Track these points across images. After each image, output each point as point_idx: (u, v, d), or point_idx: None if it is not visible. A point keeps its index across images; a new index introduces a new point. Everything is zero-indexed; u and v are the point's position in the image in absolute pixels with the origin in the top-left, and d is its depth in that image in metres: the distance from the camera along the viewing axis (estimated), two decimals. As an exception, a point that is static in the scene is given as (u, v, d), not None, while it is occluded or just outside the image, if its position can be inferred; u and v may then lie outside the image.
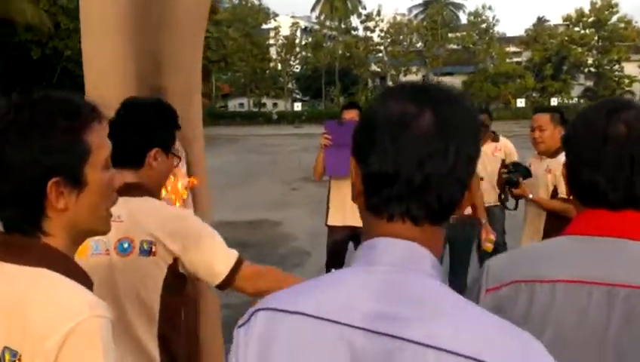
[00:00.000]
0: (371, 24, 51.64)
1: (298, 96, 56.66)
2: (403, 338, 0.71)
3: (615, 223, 1.05)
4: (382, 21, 51.50)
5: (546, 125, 3.79)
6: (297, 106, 49.33)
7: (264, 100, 54.19)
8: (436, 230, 0.82)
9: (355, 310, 0.75)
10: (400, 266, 0.78)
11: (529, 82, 48.91)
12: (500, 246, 4.71)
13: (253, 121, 44.53)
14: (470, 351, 0.69)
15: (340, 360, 0.73)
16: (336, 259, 4.39)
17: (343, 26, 52.91)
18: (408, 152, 0.78)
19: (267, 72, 52.16)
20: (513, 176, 3.76)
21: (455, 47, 53.46)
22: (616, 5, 49.69)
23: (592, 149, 1.07)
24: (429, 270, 0.79)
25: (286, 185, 13.23)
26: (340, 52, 51.28)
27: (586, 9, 50.39)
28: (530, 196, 3.77)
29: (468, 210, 4.32)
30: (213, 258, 1.70)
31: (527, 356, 0.71)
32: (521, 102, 45.23)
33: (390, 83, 54.64)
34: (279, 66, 52.80)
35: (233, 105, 55.46)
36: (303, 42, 54.82)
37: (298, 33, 53.87)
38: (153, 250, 1.65)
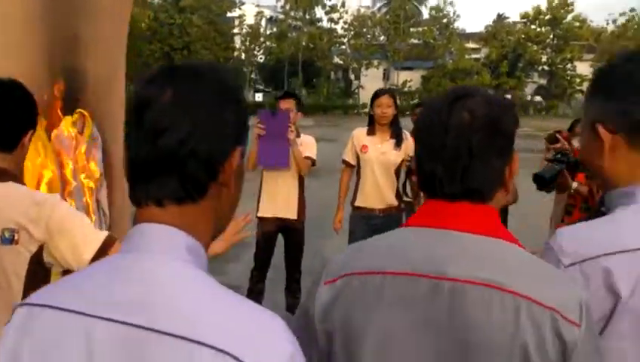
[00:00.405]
0: (335, 16, 51.51)
1: (261, 87, 56.21)
2: (142, 327, 0.70)
3: (449, 215, 1.02)
4: (346, 13, 51.45)
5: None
6: (258, 97, 48.94)
7: (227, 89, 53.33)
8: (193, 211, 0.79)
9: (99, 300, 0.73)
10: (145, 252, 0.76)
11: (485, 79, 49.63)
12: None
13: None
14: (190, 334, 0.69)
15: (81, 351, 0.72)
16: (265, 250, 4.35)
17: (307, 16, 52.61)
18: (146, 133, 0.76)
19: (231, 61, 51.52)
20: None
21: (416, 41, 53.84)
22: (572, 4, 50.75)
23: (434, 138, 1.03)
24: (184, 254, 0.76)
25: (241, 175, 13.09)
26: (304, 43, 51.02)
27: (544, 7, 51.33)
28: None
29: (395, 202, 4.39)
30: (81, 242, 1.62)
31: (260, 339, 0.70)
32: (477, 98, 45.79)
33: (352, 76, 54.79)
34: (243, 56, 52.24)
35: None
36: (268, 32, 54.35)
37: (263, 22, 53.38)
38: (15, 238, 1.57)
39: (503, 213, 4.31)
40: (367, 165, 4.36)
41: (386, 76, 54.19)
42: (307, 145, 4.31)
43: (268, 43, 53.62)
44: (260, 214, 4.34)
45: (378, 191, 4.34)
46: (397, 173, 4.41)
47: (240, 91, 0.85)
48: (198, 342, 0.69)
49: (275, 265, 4.55)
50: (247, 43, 51.48)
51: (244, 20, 51.08)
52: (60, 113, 2.17)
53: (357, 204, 4.45)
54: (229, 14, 50.76)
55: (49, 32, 2.16)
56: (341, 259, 1.08)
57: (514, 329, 0.92)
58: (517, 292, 0.93)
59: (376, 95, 4.37)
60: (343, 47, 52.61)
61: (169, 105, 0.77)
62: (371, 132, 4.41)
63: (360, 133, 4.48)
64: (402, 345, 0.96)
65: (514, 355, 0.91)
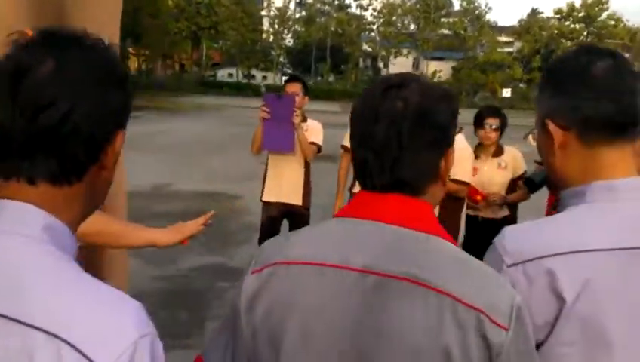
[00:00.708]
0: (364, 2, 51.17)
1: (289, 70, 56.22)
2: None
3: (380, 206, 0.98)
4: (375, 0, 51.05)
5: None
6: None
7: (254, 72, 53.71)
8: (66, 192, 0.77)
9: None
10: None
11: (517, 72, 48.97)
12: None
13: (242, 93, 44.11)
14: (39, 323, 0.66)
15: None
16: (269, 235, 4.23)
17: (336, 1, 52.29)
18: (23, 106, 0.72)
19: (259, 43, 51.58)
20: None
21: (446, 32, 53.22)
22: (606, 2, 49.67)
23: (365, 126, 0.99)
24: (37, 232, 0.73)
25: (256, 159, 13.21)
26: (333, 28, 50.82)
27: (578, 4, 50.35)
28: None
29: None
30: None
31: (100, 325, 0.68)
32: (507, 92, 45.33)
33: (381, 64, 54.45)
34: (271, 38, 52.25)
35: (222, 74, 54.92)
36: (296, 15, 54.23)
37: (291, 5, 53.26)
38: None
39: (513, 208, 4.23)
40: None
41: (415, 65, 53.75)
42: (313, 131, 4.25)
43: (296, 27, 53.52)
44: (264, 198, 4.30)
45: None
46: None
47: (126, 71, 0.81)
48: (32, 326, 0.66)
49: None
50: (276, 26, 51.43)
51: (273, 2, 50.96)
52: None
53: (355, 190, 4.38)
54: (258, -4, 50.73)
55: (33, 14, 2.13)
56: (270, 247, 1.03)
57: (437, 329, 0.87)
58: (442, 289, 0.88)
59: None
60: (372, 34, 52.27)
61: (50, 77, 0.72)
62: None
63: None
64: (320, 344, 0.91)
65: (436, 356, 0.87)
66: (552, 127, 1.12)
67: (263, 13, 51.83)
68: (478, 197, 4.01)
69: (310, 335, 0.92)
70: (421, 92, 0.98)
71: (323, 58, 51.00)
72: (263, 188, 4.32)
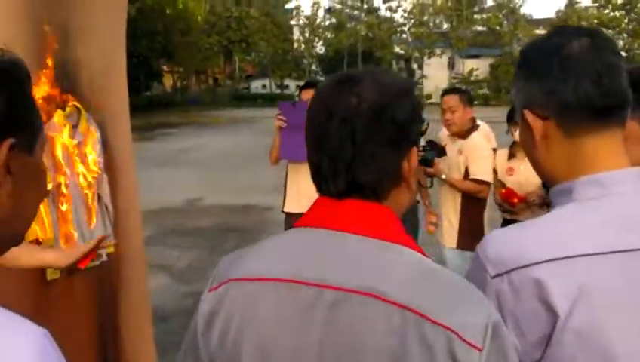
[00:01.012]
0: (394, 4, 50.95)
1: (322, 79, 56.33)
2: None
3: (337, 213, 0.90)
4: (405, 1, 50.78)
5: (455, 106, 3.77)
6: (319, 88, 49.14)
7: (287, 82, 54.04)
8: None
9: None
10: None
11: (556, 66, 47.74)
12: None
13: (275, 103, 44.31)
14: None
15: None
16: None
17: (365, 5, 52.22)
18: None
19: (290, 53, 51.96)
20: (428, 154, 3.70)
21: (481, 28, 52.45)
22: (648, -13, 48.12)
23: (318, 125, 0.91)
24: None
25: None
26: (363, 33, 50.76)
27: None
28: (443, 176, 3.76)
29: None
30: None
31: None
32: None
33: (415, 65, 54.06)
34: (302, 47, 52.57)
35: (255, 86, 55.42)
36: (326, 23, 54.41)
37: (320, 13, 53.46)
38: None
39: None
40: None
41: (450, 65, 53.10)
42: None
43: (326, 34, 53.70)
44: (285, 209, 4.21)
45: None
46: None
47: (12, 81, 0.76)
48: None
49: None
50: (306, 34, 51.72)
51: (302, 11, 51.31)
52: (51, 106, 2.16)
53: None
54: (286, 6, 51.14)
55: (35, 22, 2.15)
56: (226, 262, 0.97)
57: (401, 349, 0.78)
58: (405, 305, 0.80)
59: None
60: (404, 35, 51.95)
61: None
62: None
63: None
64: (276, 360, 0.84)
65: None
66: (529, 117, 1.02)
67: (293, 22, 52.18)
68: (515, 200, 3.75)
69: (267, 357, 0.85)
70: (377, 87, 0.90)
71: (355, 63, 50.95)
72: (284, 198, 4.24)
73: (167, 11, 26.69)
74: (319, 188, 0.94)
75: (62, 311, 2.26)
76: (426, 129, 1.03)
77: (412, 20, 50.60)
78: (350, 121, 0.88)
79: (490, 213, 3.91)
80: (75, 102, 2.25)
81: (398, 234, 0.89)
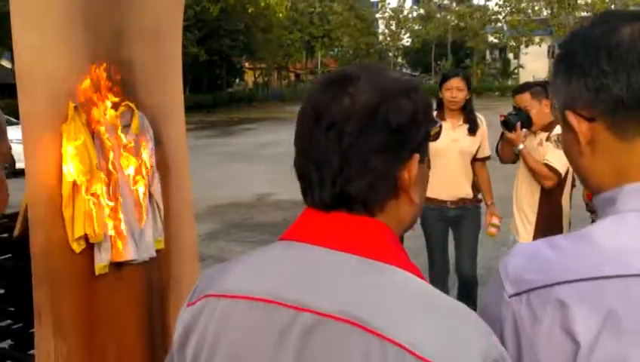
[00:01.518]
0: (487, -9, 49.56)
1: (407, 72, 55.87)
2: None
3: (322, 227, 0.84)
4: (499, -12, 49.26)
5: (530, 104, 3.72)
6: (404, 82, 48.77)
7: (371, 76, 53.91)
8: None
9: None
10: None
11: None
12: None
13: (358, 98, 44.41)
14: None
15: None
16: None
17: (456, -6, 51.20)
18: None
19: (374, 46, 51.82)
20: (512, 118, 3.67)
21: (585, 14, 49.98)
22: None
23: (306, 130, 0.85)
24: None
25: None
26: (453, 23, 49.74)
27: None
28: (521, 146, 3.67)
29: (470, 194, 4.16)
30: None
31: None
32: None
33: (511, 55, 52.35)
34: (387, 40, 52.31)
35: (338, 81, 55.57)
36: (414, 14, 53.78)
37: (407, 4, 52.93)
38: None
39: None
40: (437, 154, 4.05)
41: (550, 54, 50.97)
42: None
43: (414, 26, 53.08)
44: None
45: (450, 181, 4.10)
46: (472, 161, 4.18)
47: None
48: None
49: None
50: (392, 27, 51.39)
51: (387, 4, 51.02)
52: (105, 104, 2.32)
53: (427, 194, 4.26)
54: (371, -1, 51.14)
55: (91, 22, 2.31)
56: (207, 276, 0.92)
57: None
58: (386, 336, 0.73)
59: (446, 77, 4.15)
60: (499, 24, 50.43)
61: None
62: (440, 117, 4.13)
63: None
64: None
65: None
66: (573, 119, 0.91)
67: (378, 15, 52.01)
68: None
69: None
70: (371, 86, 0.84)
71: (443, 55, 50.04)
72: None
73: (249, 10, 27.39)
74: (305, 200, 0.88)
75: (110, 306, 2.42)
76: (438, 132, 0.93)
77: (508, 8, 49.02)
78: (338, 125, 0.82)
79: (576, 212, 3.81)
80: (128, 102, 2.41)
81: (390, 252, 0.82)
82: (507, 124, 3.72)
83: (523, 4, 48.78)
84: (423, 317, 0.75)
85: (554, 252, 0.87)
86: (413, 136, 0.85)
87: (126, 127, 2.45)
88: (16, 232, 2.64)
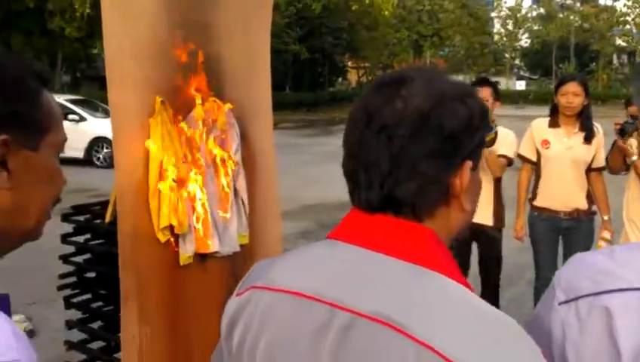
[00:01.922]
0: (617, -10, 46.98)
1: (525, 75, 54.14)
2: None
3: (366, 228, 0.87)
4: (629, -13, 46.56)
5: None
6: (520, 85, 47.24)
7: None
8: None
9: None
10: None
11: None
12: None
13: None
14: None
15: None
16: (459, 259, 4.29)
17: (580, -7, 48.96)
18: None
19: (488, 47, 50.60)
20: (629, 126, 3.62)
21: None
22: None
23: (356, 131, 0.88)
24: None
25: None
26: (577, 24, 47.61)
27: None
28: (634, 158, 3.55)
29: (585, 205, 4.03)
30: None
31: None
32: None
33: (640, 60, 49.38)
34: (504, 40, 50.91)
35: (447, 83, 54.84)
36: (533, 13, 52.00)
37: (525, 3, 51.23)
38: None
39: None
40: (550, 162, 4.03)
41: (685, 59, 47.60)
42: (504, 141, 4.08)
43: (534, 26, 51.33)
44: None
45: (563, 191, 4.00)
46: (587, 171, 4.04)
47: (13, 78, 0.84)
48: None
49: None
50: (509, 26, 49.96)
51: (504, 2, 49.62)
52: (192, 99, 2.46)
53: (537, 203, 4.15)
54: (487, -4, 49.94)
55: (180, 16, 2.44)
56: (257, 269, 0.97)
57: None
58: (425, 342, 0.73)
59: (562, 81, 4.03)
60: (627, 27, 47.68)
61: None
62: (554, 124, 4.06)
63: (541, 124, 4.15)
64: None
65: None
66: None
67: (493, 14, 50.72)
68: None
69: None
70: (425, 90, 0.86)
71: (565, 58, 47.96)
72: None
73: (353, 7, 27.54)
74: (352, 200, 0.91)
75: (193, 296, 2.56)
76: (494, 138, 0.99)
77: (637, 9, 46.24)
78: (389, 128, 0.84)
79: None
80: (215, 98, 2.54)
81: (437, 259, 0.83)
82: (623, 133, 3.63)
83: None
84: (465, 326, 0.75)
85: (609, 261, 0.88)
86: (466, 143, 0.86)
87: (212, 122, 2.58)
88: (107, 218, 2.85)
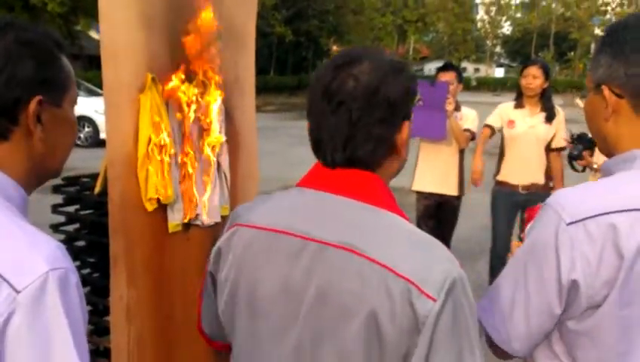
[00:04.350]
0: (598, -20, 47.31)
1: (505, 62, 54.43)
2: None
3: (329, 178, 1.10)
4: (611, -24, 46.91)
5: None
6: (499, 72, 47.57)
7: (465, 64, 52.96)
8: (2, 153, 1.00)
9: None
10: None
11: None
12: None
13: (449, 87, 43.72)
14: None
15: None
16: (426, 224, 4.62)
17: (563, -19, 49.20)
18: None
19: (472, 33, 50.77)
20: (574, 149, 3.85)
21: None
22: None
23: (318, 106, 1.10)
24: None
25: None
26: (558, 13, 47.94)
27: None
28: (595, 166, 3.80)
29: (542, 180, 4.39)
30: None
31: (19, 258, 0.88)
32: None
33: (620, 50, 49.72)
34: (486, 27, 51.11)
35: (429, 68, 55.06)
36: (517, 1, 52.22)
37: (510, -10, 51.42)
38: None
39: None
40: (514, 139, 4.44)
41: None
42: (467, 118, 4.52)
43: (516, 14, 51.56)
44: (415, 188, 4.67)
45: (523, 166, 4.40)
46: (547, 150, 4.40)
47: (40, 48, 1.01)
48: None
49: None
50: (492, 14, 50.17)
51: (488, -12, 49.79)
52: (180, 76, 2.61)
53: (499, 178, 4.56)
54: (471, -18, 50.00)
55: (166, 7, 2.58)
56: (240, 209, 1.22)
57: (364, 295, 0.98)
58: (373, 258, 0.99)
59: (525, 65, 4.45)
60: (607, 16, 48.10)
61: None
62: (519, 105, 4.47)
63: (507, 107, 4.56)
64: (266, 305, 1.08)
65: (363, 319, 0.98)
66: (607, 93, 1.18)
67: (477, 1, 50.86)
68: None
69: (257, 292, 1.09)
70: (371, 69, 1.07)
71: (545, 46, 48.33)
72: (414, 176, 4.67)
73: (341, -10, 27.59)
74: (319, 159, 1.14)
75: (177, 262, 2.73)
76: (419, 99, 1.19)
77: (618, -1, 46.72)
78: (347, 104, 1.06)
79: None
80: (201, 77, 2.70)
81: (383, 199, 1.08)
82: (573, 157, 3.87)
83: (637, -5, 46.29)
84: (403, 246, 1.02)
85: (597, 191, 1.14)
86: (405, 107, 1.10)
87: (199, 99, 2.74)
88: (96, 189, 3.00)
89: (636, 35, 1.15)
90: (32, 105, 1.01)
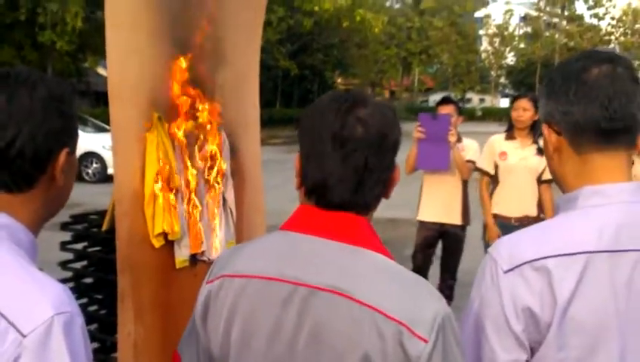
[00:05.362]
0: (601, 11, 47.74)
1: (510, 92, 54.73)
2: None
3: (319, 222, 1.10)
4: (613, 7, 47.35)
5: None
6: (504, 103, 47.84)
7: (470, 95, 53.31)
8: (21, 198, 1.04)
9: None
10: None
11: None
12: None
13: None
14: None
15: None
16: (423, 254, 4.67)
17: (566, 13, 49.70)
18: None
19: (476, 64, 51.19)
20: None
21: None
22: None
23: (323, 148, 1.09)
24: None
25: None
26: (562, 43, 48.32)
27: None
28: None
29: (534, 212, 4.41)
30: None
31: (25, 303, 0.91)
32: None
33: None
34: (490, 58, 51.52)
35: (434, 99, 55.35)
36: (520, 31, 52.71)
37: (513, 21, 51.93)
38: None
39: None
40: (507, 172, 4.50)
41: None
42: (469, 149, 4.60)
43: (520, 44, 52.01)
44: (419, 218, 4.71)
45: (516, 198, 4.44)
46: (538, 181, 4.45)
47: (66, 102, 1.07)
48: None
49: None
50: (497, 44, 50.62)
51: (492, 20, 50.29)
52: (185, 115, 2.67)
53: (492, 210, 4.60)
54: (475, 15, 50.56)
55: (177, 38, 2.65)
56: (223, 259, 1.20)
57: (357, 339, 0.99)
58: (363, 301, 1.01)
59: (516, 98, 4.58)
60: (611, 45, 48.44)
61: (2, 109, 1.01)
62: (510, 136, 4.55)
63: (498, 139, 4.63)
64: (260, 352, 1.08)
65: (356, 361, 0.99)
66: (546, 131, 1.25)
67: (481, 32, 51.39)
68: None
69: (250, 338, 1.09)
70: (377, 115, 1.09)
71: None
72: (419, 207, 4.72)
73: (344, 24, 27.86)
74: (315, 201, 1.11)
75: (184, 298, 2.75)
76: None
77: (621, 29, 47.06)
78: (361, 151, 1.07)
79: None
80: (207, 114, 2.76)
81: (367, 239, 1.09)
82: None
83: (638, 25, 46.65)
84: (391, 286, 1.04)
85: (533, 236, 1.19)
86: (399, 146, 1.14)
87: (204, 136, 2.79)
88: (104, 226, 3.04)
89: (566, 74, 1.20)
90: (62, 156, 1.07)
